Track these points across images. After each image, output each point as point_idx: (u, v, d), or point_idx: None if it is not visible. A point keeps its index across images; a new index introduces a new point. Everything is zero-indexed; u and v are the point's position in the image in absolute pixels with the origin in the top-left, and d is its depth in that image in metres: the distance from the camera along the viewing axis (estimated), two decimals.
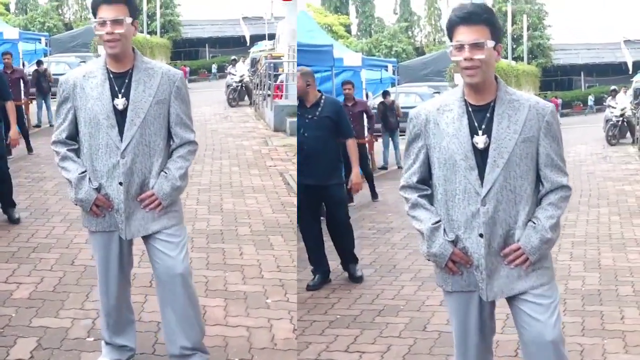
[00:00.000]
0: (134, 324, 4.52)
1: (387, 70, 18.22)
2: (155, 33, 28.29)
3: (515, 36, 25.71)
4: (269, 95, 17.24)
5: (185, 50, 32.01)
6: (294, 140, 13.72)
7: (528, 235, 3.25)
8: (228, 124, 17.36)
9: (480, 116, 3.26)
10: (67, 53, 24.79)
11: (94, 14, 3.89)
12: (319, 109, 6.71)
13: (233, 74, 21.61)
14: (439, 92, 22.00)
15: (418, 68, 26.87)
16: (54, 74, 17.89)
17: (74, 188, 4.04)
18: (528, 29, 26.40)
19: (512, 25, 24.67)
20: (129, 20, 3.89)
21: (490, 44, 3.19)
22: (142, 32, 24.50)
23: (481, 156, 3.23)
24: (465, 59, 3.16)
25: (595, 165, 15.63)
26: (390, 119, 15.53)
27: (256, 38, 30.21)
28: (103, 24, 3.84)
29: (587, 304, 6.25)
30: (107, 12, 3.84)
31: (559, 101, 27.77)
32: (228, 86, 21.77)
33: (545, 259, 3.35)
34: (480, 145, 3.23)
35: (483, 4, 3.37)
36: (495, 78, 3.30)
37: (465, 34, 3.18)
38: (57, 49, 24.49)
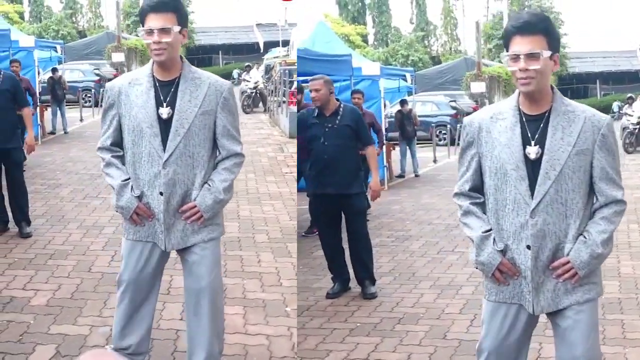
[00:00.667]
0: (149, 330, 4.39)
1: (405, 80, 18.20)
2: None
3: None
4: (284, 101, 17.22)
5: (199, 57, 32.06)
6: None
7: (578, 249, 3.18)
8: (243, 130, 16.70)
9: (534, 126, 3.19)
10: (81, 60, 24.88)
11: (142, 23, 3.82)
12: (339, 117, 6.66)
13: (247, 81, 21.65)
14: (455, 101, 22.07)
15: (434, 77, 26.80)
16: (68, 82, 17.95)
17: (115, 195, 3.98)
18: None
19: None
20: (177, 28, 3.82)
21: (546, 54, 3.12)
22: None
23: (532, 167, 3.17)
24: (520, 70, 3.11)
25: None
26: (407, 128, 15.55)
27: (270, 45, 30.25)
28: (150, 32, 3.78)
29: (607, 313, 6.14)
30: (155, 21, 3.78)
31: None
32: (242, 93, 21.80)
33: (595, 275, 3.28)
34: (533, 156, 3.16)
35: (540, 12, 3.32)
36: (552, 88, 3.24)
37: (520, 44, 3.12)
38: (71, 57, 24.55)
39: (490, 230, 3.27)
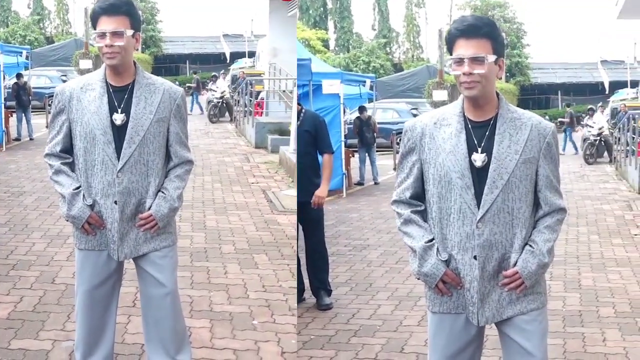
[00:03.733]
0: (112, 345, 4.17)
1: (364, 86, 18.17)
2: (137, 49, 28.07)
3: None
4: (249, 112, 17.09)
5: (166, 66, 31.86)
6: (275, 157, 13.60)
7: (526, 260, 3.08)
8: (209, 139, 17.18)
9: (480, 133, 3.09)
10: (48, 67, 24.55)
11: (94, 26, 3.70)
12: (298, 122, 6.55)
13: (214, 91, 21.49)
14: (416, 109, 22.06)
15: (396, 84, 26.93)
16: (34, 88, 17.65)
17: (67, 204, 3.81)
18: (506, 48, 26.57)
19: None
20: (129, 32, 3.67)
21: (491, 58, 3.02)
22: None
23: (478, 175, 3.06)
24: (464, 74, 3.00)
25: (573, 184, 15.65)
26: (366, 135, 15.45)
27: (236, 55, 30.15)
28: (102, 36, 3.64)
29: (568, 326, 6.10)
30: (107, 24, 3.64)
31: None
32: (209, 102, 21.64)
33: (539, 284, 3.18)
34: (479, 164, 3.05)
35: (485, 16, 3.16)
36: (497, 94, 3.13)
37: (465, 48, 3.01)
38: (38, 63, 24.26)
39: (433, 240, 3.15)
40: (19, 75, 16.68)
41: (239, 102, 19.13)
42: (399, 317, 6.28)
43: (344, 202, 12.99)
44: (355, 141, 15.83)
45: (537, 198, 3.16)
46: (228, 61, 30.42)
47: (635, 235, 10.17)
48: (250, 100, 17.18)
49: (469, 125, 3.10)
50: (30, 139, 16.00)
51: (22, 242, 7.66)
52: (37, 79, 20.65)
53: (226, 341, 5.22)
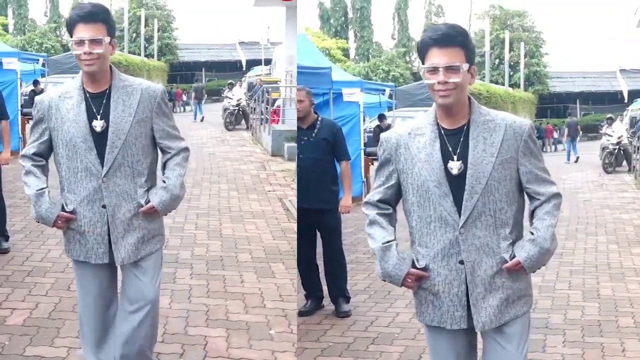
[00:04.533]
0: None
1: (384, 95, 18.14)
2: (153, 56, 28.19)
3: (512, 63, 25.82)
4: (266, 119, 17.07)
5: (182, 74, 31.93)
6: (292, 165, 13.53)
7: (526, 248, 3.10)
8: (225, 147, 17.14)
9: (454, 140, 3.10)
10: (64, 74, 24.61)
11: (70, 33, 3.74)
12: (315, 130, 6.50)
13: (230, 98, 21.50)
14: None
15: (415, 93, 26.88)
16: None
17: (33, 205, 3.93)
18: (525, 57, 26.59)
19: (510, 52, 24.73)
20: (107, 39, 3.74)
21: (465, 66, 3.04)
22: (139, 54, 24.42)
23: (456, 182, 3.07)
24: (439, 82, 3.02)
25: (592, 192, 15.51)
26: None
27: (252, 63, 30.18)
28: (80, 43, 3.68)
29: (587, 335, 6.04)
30: (84, 32, 3.69)
31: (552, 128, 27.71)
32: (225, 110, 21.64)
33: (530, 286, 3.23)
34: (455, 172, 3.06)
35: (457, 25, 3.16)
36: (469, 99, 3.15)
37: (439, 57, 3.02)
38: (54, 70, 24.30)
39: (393, 240, 3.21)
40: (35, 83, 16.73)
41: (255, 109, 19.13)
42: (418, 325, 6.17)
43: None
44: (374, 149, 15.78)
45: (527, 194, 3.17)
46: (244, 69, 30.47)
47: None
48: (267, 108, 17.15)
49: (443, 133, 3.12)
50: None
51: (37, 249, 7.65)
52: (53, 86, 20.61)
53: (243, 351, 5.16)
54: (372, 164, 15.40)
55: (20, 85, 16.54)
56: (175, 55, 31.37)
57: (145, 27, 25.62)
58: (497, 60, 28.10)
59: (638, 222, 11.86)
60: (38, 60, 19.27)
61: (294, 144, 14.86)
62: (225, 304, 6.14)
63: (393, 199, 3.27)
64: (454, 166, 3.06)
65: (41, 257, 7.35)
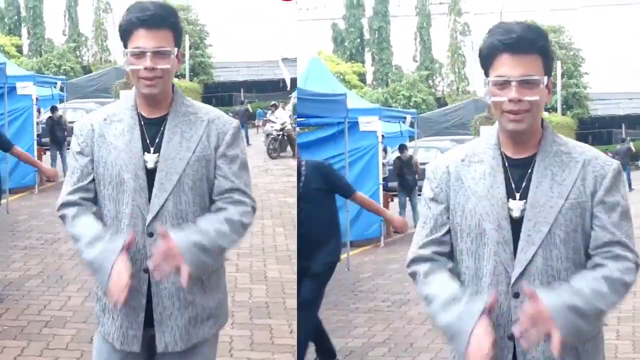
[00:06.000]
0: None
1: (405, 123, 18.28)
2: (184, 76, 28.55)
3: None
4: None
5: (218, 95, 32.24)
6: None
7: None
8: (269, 177, 17.36)
9: (519, 174, 2.76)
10: (85, 99, 25.07)
11: (125, 42, 3.20)
12: (302, 179, 6.33)
13: (273, 122, 21.66)
14: None
15: (439, 120, 27.21)
16: (70, 122, 17.94)
17: (86, 248, 3.19)
18: (562, 77, 26.66)
19: None
20: (174, 51, 3.23)
21: (544, 80, 2.69)
22: None
23: (516, 228, 2.71)
24: (511, 100, 2.65)
25: (258, 178, 16.51)
26: (407, 176, 15.59)
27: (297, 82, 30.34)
28: (140, 55, 3.15)
29: (255, 317, 6.83)
30: (147, 40, 3.15)
31: None
32: (268, 135, 21.82)
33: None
34: (517, 213, 2.71)
35: (534, 24, 2.80)
36: (542, 123, 2.81)
37: (510, 67, 2.66)
38: (74, 94, 24.80)
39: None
40: (53, 109, 17.03)
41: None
42: (89, 309, 6.27)
43: (382, 252, 13.03)
44: (395, 184, 15.87)
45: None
46: (289, 88, 30.68)
47: None
48: None
49: (506, 164, 2.78)
50: None
51: (56, 296, 7.72)
52: (73, 112, 21.03)
53: None
54: (392, 200, 15.69)
55: (38, 112, 16.82)
56: (210, 75, 31.72)
57: None
58: None
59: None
60: (56, 83, 19.62)
61: None
62: (272, 358, 6.13)
63: (451, 250, 2.87)
64: (515, 206, 2.72)
65: (60, 305, 7.41)
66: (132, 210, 3.20)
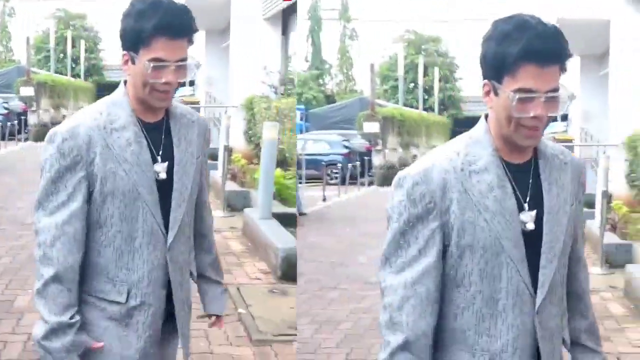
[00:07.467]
0: None
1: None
2: (80, 76, 30.48)
3: (426, 87, 28.60)
4: None
5: (109, 94, 33.85)
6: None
7: None
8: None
9: (522, 181, 2.38)
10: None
11: (136, 47, 2.74)
12: None
13: None
14: (348, 140, 25.14)
15: (328, 115, 29.30)
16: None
17: (48, 335, 2.74)
18: (440, 81, 29.22)
19: (424, 77, 27.54)
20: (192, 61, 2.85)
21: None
22: (65, 74, 26.87)
23: (528, 242, 2.34)
24: (535, 117, 2.24)
25: None
26: None
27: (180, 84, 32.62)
28: (161, 67, 2.71)
29: None
30: (170, 51, 2.72)
31: None
32: None
33: None
34: (531, 226, 2.33)
35: (553, 25, 2.28)
36: None
37: (537, 80, 2.23)
38: (316, 125, 26.28)
39: None
40: None
41: None
42: (318, 340, 6.46)
43: None
44: None
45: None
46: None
47: None
48: None
49: (507, 171, 2.36)
50: None
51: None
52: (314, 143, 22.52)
53: None
54: None
55: None
56: (102, 76, 33.48)
57: (72, 48, 27.81)
58: (412, 84, 30.86)
59: None
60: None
61: (210, 161, 17.60)
62: None
63: (441, 298, 2.35)
64: (528, 218, 2.33)
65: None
66: (151, 228, 2.83)
